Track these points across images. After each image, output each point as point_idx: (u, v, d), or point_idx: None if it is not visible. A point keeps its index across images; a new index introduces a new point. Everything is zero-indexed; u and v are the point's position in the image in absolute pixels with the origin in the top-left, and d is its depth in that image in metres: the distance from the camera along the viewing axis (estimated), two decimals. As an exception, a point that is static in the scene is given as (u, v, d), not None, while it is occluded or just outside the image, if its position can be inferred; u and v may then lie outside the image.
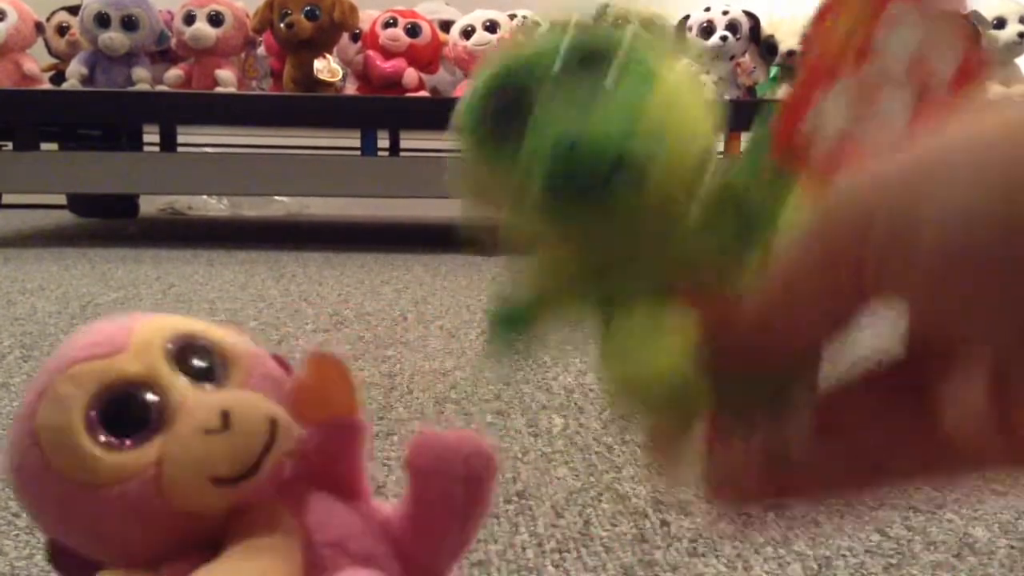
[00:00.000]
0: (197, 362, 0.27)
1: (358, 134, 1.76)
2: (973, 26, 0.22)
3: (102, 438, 0.25)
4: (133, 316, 0.29)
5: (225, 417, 0.25)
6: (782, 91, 1.74)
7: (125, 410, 0.26)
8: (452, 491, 0.28)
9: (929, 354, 0.18)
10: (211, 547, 0.25)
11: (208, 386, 0.27)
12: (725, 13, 1.74)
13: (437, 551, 0.29)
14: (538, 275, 0.24)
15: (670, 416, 0.22)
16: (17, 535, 0.47)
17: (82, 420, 0.25)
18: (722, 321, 0.20)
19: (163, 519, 0.25)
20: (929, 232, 0.16)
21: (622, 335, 0.22)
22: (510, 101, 0.22)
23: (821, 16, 0.23)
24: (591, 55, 0.22)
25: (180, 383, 0.26)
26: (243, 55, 1.80)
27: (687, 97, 0.23)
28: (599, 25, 0.24)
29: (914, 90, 0.22)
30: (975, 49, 0.22)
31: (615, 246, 0.22)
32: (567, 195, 0.21)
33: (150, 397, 0.26)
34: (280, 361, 0.30)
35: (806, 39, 0.23)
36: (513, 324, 0.25)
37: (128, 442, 0.25)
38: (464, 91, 0.23)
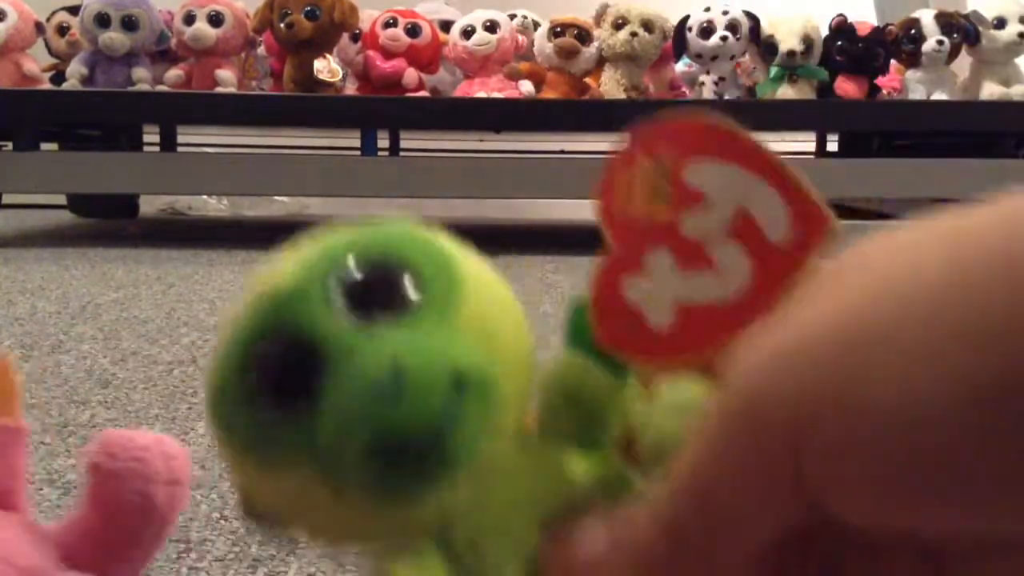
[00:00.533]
0: None
1: (358, 134, 1.76)
2: (801, 182, 0.18)
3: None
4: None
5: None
6: (782, 90, 1.74)
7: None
8: (151, 493, 0.26)
9: (844, 539, 0.15)
10: None
11: None
12: (725, 13, 1.74)
13: (127, 557, 0.27)
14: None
15: None
16: (17, 535, 0.47)
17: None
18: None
19: None
20: (900, 418, 0.12)
21: None
22: (285, 350, 0.17)
23: (611, 174, 0.20)
24: (376, 275, 0.18)
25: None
26: (243, 55, 1.80)
27: (498, 295, 0.20)
28: (375, 234, 0.19)
29: (745, 248, 0.18)
30: (808, 203, 0.18)
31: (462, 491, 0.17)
32: (404, 444, 0.17)
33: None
34: None
35: (601, 207, 0.21)
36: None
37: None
38: (282, 275, 0.18)
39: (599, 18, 1.78)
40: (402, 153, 2.10)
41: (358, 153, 1.77)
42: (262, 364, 0.18)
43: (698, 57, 1.77)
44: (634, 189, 0.20)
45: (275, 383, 0.17)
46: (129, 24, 1.68)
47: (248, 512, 0.19)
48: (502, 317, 0.19)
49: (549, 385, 0.19)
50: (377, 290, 0.18)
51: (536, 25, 1.89)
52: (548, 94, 1.77)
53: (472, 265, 0.20)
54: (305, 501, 0.18)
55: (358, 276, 0.18)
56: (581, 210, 2.63)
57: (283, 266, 0.19)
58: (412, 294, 0.18)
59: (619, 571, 0.16)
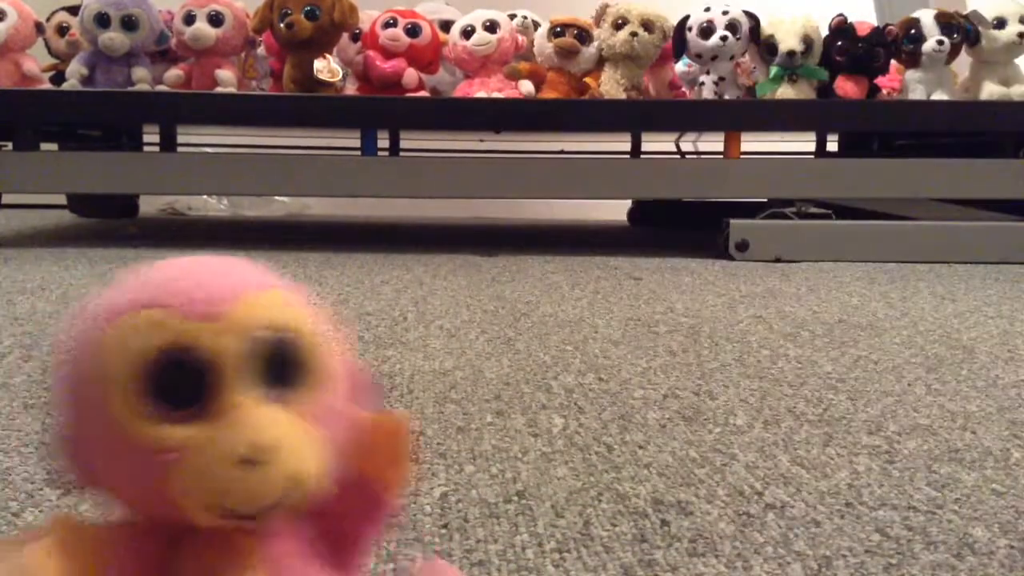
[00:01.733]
0: (279, 362, 0.25)
1: (358, 134, 1.76)
2: None
3: (152, 403, 0.24)
4: (240, 273, 0.26)
5: (260, 452, 0.23)
6: (782, 90, 1.74)
7: (182, 380, 0.24)
8: None
9: None
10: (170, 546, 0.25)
11: (273, 392, 0.25)
12: (725, 13, 1.74)
13: None
14: None
15: None
16: (17, 535, 0.47)
17: (136, 377, 0.24)
18: None
19: (156, 504, 0.24)
20: None
21: None
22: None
23: None
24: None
25: (247, 378, 0.24)
26: (243, 55, 1.80)
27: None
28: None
29: None
30: None
31: None
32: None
33: (209, 378, 0.24)
34: (362, 386, 0.28)
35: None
36: None
37: (175, 414, 0.24)
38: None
39: (599, 18, 1.78)
40: (402, 153, 2.10)
41: (358, 153, 1.77)
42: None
43: (698, 57, 1.77)
44: None
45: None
46: (129, 24, 1.68)
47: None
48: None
49: None
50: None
51: (536, 25, 1.89)
52: (548, 94, 1.77)
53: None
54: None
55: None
56: (581, 210, 2.64)
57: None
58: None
59: None
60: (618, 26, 1.73)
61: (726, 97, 1.76)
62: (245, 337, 0.24)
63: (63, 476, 0.26)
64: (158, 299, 0.24)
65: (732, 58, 1.77)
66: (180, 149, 2.15)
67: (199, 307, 0.24)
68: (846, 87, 1.74)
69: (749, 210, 1.76)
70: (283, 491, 0.24)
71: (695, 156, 2.36)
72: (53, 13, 1.91)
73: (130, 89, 1.70)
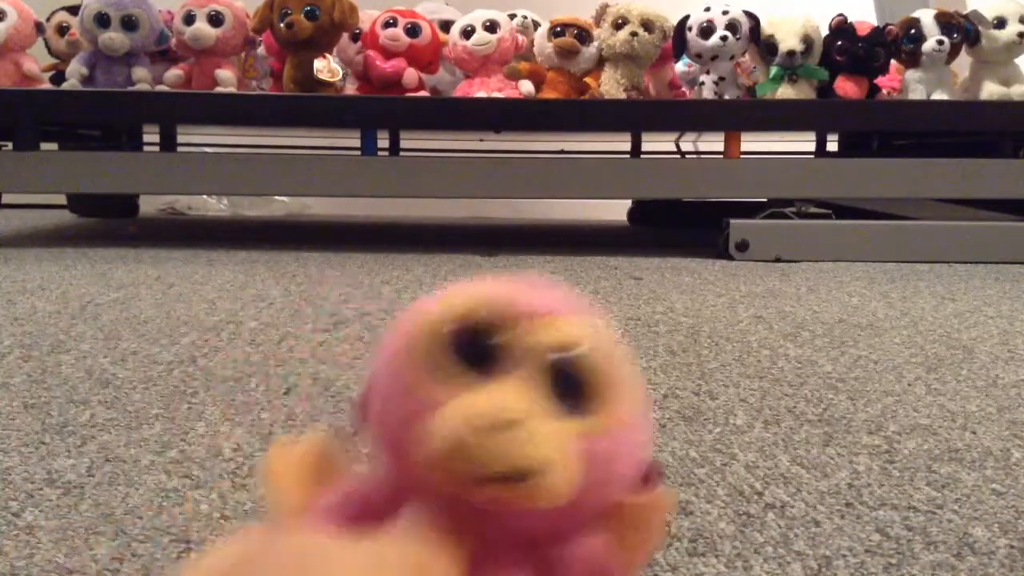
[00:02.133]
0: (573, 389, 0.25)
1: (358, 134, 1.76)
2: None
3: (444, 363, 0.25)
4: (564, 298, 0.28)
5: (502, 416, 0.24)
6: (782, 90, 1.74)
7: (477, 353, 0.26)
8: None
9: None
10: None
11: (554, 408, 0.25)
12: (725, 13, 1.74)
13: None
14: None
15: None
16: (17, 535, 0.47)
17: (439, 337, 0.26)
18: None
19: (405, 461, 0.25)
20: None
21: None
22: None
23: None
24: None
25: (534, 379, 0.25)
26: (243, 55, 1.80)
27: None
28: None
29: None
30: None
31: None
32: None
33: (500, 362, 0.26)
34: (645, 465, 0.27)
35: None
36: None
37: (458, 379, 0.25)
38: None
39: (599, 18, 1.78)
40: (402, 153, 2.10)
41: (358, 153, 1.77)
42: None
43: (698, 57, 1.77)
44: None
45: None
46: (129, 24, 1.68)
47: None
48: None
49: None
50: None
51: (536, 25, 1.89)
52: (548, 94, 1.77)
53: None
54: None
55: None
56: (581, 210, 2.64)
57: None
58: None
59: None
60: (618, 26, 1.73)
61: (726, 97, 1.76)
62: (547, 346, 0.25)
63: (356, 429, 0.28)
64: (484, 294, 0.26)
65: (732, 58, 1.77)
66: (180, 149, 2.16)
67: (521, 308, 0.26)
68: (846, 87, 1.74)
69: (749, 210, 1.76)
70: (514, 465, 0.23)
71: (695, 156, 2.36)
72: (53, 13, 1.91)
73: (130, 89, 1.70)
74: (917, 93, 1.77)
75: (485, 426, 0.23)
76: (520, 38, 1.80)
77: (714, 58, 1.75)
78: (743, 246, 1.67)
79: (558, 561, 0.26)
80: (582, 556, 0.26)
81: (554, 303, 0.27)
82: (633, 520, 0.26)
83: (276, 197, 2.54)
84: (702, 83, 1.77)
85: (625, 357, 0.27)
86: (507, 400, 0.24)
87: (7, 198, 1.97)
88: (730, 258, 1.67)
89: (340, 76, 1.75)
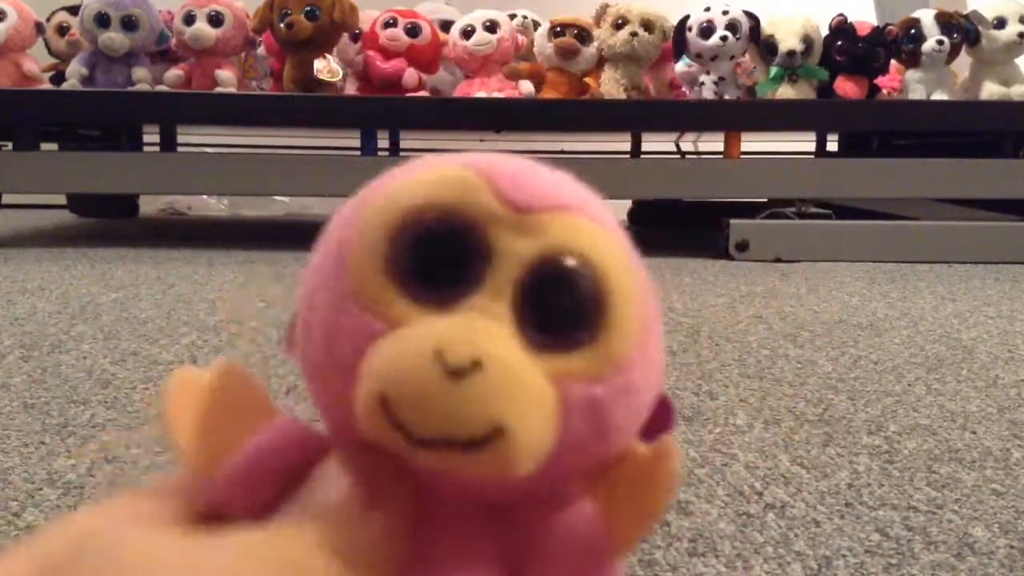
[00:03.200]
0: (565, 313, 0.19)
1: (358, 134, 1.76)
2: None
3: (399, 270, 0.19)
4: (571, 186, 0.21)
5: (456, 357, 0.17)
6: (782, 90, 1.74)
7: (441, 262, 0.19)
8: None
9: None
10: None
11: (537, 338, 0.19)
12: (725, 13, 1.74)
13: None
14: None
15: None
16: (17, 535, 0.47)
17: (393, 237, 0.19)
18: None
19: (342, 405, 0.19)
20: None
21: None
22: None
23: None
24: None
25: (511, 297, 0.19)
26: (243, 55, 1.80)
27: None
28: None
29: None
30: None
31: None
32: None
33: (472, 273, 0.19)
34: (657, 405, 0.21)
35: None
36: None
37: (416, 295, 0.19)
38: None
39: (599, 18, 1.78)
40: (402, 153, 2.10)
41: (358, 153, 1.77)
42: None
43: (698, 57, 1.77)
44: None
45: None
46: (129, 24, 1.68)
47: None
48: None
49: None
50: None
51: (536, 25, 1.89)
52: (548, 94, 1.77)
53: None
54: None
55: None
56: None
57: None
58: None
59: None
60: (618, 26, 1.73)
61: (726, 97, 1.76)
62: (530, 255, 0.19)
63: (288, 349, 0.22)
64: (460, 162, 0.20)
65: (732, 58, 1.77)
66: (180, 149, 2.16)
67: (506, 188, 0.19)
68: (846, 87, 1.74)
69: (749, 210, 1.76)
70: (469, 427, 0.17)
71: (695, 156, 2.36)
72: (53, 13, 1.91)
73: (130, 89, 1.70)
74: (917, 93, 1.77)
75: (434, 370, 0.17)
76: (520, 38, 1.80)
77: (714, 58, 1.75)
78: (743, 246, 1.67)
79: (533, 532, 0.20)
80: (565, 527, 0.20)
81: (545, 193, 0.20)
82: (633, 478, 0.20)
83: (276, 197, 2.54)
84: (702, 83, 1.77)
85: (635, 272, 0.20)
86: (469, 331, 0.18)
87: (7, 198, 1.96)
88: (730, 258, 1.67)
89: (340, 76, 1.75)
